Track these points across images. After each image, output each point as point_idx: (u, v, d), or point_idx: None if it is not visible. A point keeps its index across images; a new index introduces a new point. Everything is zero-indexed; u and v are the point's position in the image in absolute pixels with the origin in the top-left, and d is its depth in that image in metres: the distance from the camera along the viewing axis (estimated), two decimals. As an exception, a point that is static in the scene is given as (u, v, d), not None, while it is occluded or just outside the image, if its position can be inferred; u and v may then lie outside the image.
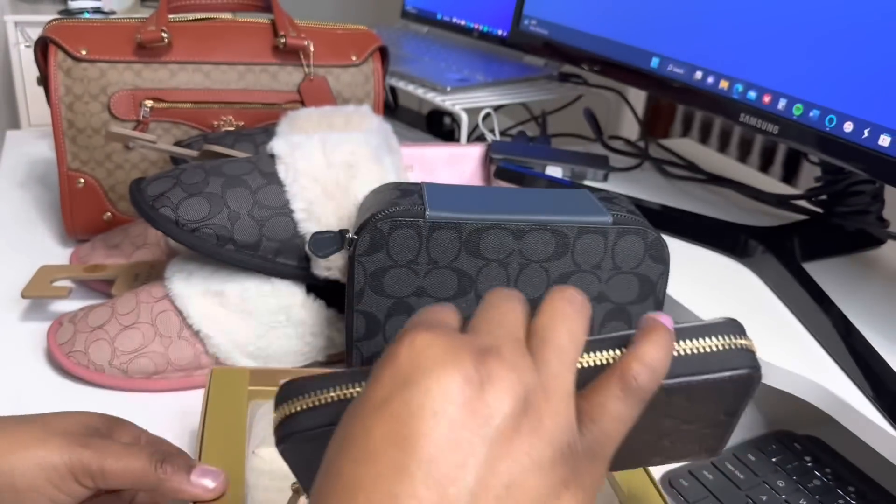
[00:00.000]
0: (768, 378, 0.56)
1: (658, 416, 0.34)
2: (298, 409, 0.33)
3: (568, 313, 0.30)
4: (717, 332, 0.33)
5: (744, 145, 1.86)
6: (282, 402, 0.34)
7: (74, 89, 0.75)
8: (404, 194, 0.57)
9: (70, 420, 0.43)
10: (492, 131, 1.02)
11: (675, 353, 0.32)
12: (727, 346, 0.32)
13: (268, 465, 0.51)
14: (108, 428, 0.45)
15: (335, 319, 0.64)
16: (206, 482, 0.42)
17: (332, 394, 0.33)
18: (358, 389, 0.33)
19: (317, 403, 0.33)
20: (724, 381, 0.32)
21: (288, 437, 0.33)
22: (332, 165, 0.62)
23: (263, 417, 0.51)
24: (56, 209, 0.88)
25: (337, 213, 0.61)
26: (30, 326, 0.68)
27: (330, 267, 0.61)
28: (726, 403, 0.34)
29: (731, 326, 0.33)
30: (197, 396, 0.58)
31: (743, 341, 0.33)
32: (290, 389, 0.34)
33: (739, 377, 0.32)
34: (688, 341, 0.32)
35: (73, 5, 1.69)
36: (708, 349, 0.32)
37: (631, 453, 0.34)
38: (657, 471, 0.58)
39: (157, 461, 0.41)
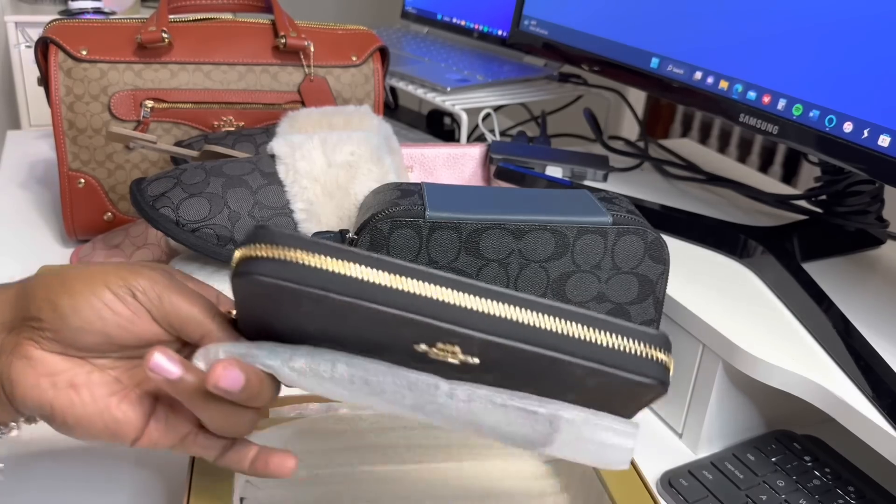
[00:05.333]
0: (768, 378, 0.56)
1: (566, 387, 0.38)
2: (269, 255, 0.35)
3: None
4: (647, 340, 0.38)
5: (743, 145, 1.86)
6: (253, 240, 0.36)
7: (75, 89, 0.75)
8: (404, 194, 0.57)
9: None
10: (492, 131, 1.02)
11: (605, 344, 0.37)
12: (648, 356, 0.37)
13: (261, 494, 0.51)
14: (185, 278, 0.44)
15: (335, 319, 0.64)
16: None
17: (310, 258, 0.35)
18: (338, 263, 0.35)
19: (289, 259, 0.35)
20: (631, 382, 0.37)
21: (246, 275, 0.35)
22: (333, 165, 0.62)
23: None
24: (56, 209, 0.88)
25: (337, 213, 0.61)
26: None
27: (330, 267, 0.61)
28: (625, 400, 0.39)
29: (660, 340, 0.38)
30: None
31: (663, 356, 0.38)
32: (267, 234, 0.35)
33: (646, 385, 0.37)
34: (619, 337, 0.37)
35: (73, 6, 1.69)
36: (632, 350, 0.37)
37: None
38: (654, 471, 0.58)
39: (214, 313, 0.41)
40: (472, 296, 0.36)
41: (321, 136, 0.63)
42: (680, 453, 0.61)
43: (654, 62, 0.78)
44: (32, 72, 1.77)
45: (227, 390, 0.36)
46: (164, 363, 0.36)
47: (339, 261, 0.35)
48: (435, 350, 0.37)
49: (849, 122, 0.61)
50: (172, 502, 0.52)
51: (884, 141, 0.58)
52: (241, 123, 0.80)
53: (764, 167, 1.82)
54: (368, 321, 0.36)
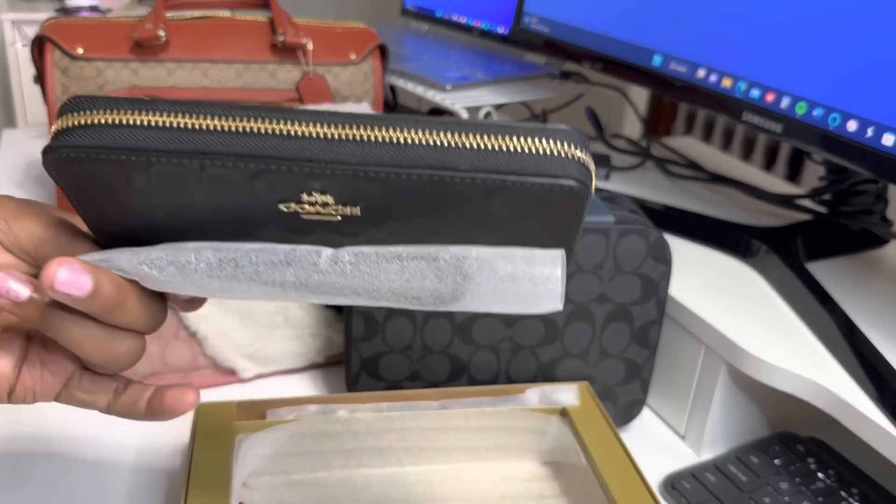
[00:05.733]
0: (771, 379, 0.55)
1: (473, 224, 0.32)
2: (73, 124, 0.30)
3: None
4: (552, 136, 0.30)
5: (747, 144, 1.85)
6: (62, 112, 0.31)
7: (71, 88, 0.74)
8: (403, 193, 0.56)
9: None
10: (492, 130, 1.01)
11: (498, 148, 0.30)
12: (558, 154, 0.30)
13: (258, 497, 0.50)
14: (49, 207, 0.40)
15: (334, 320, 0.63)
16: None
17: (119, 116, 0.30)
18: (146, 117, 0.30)
19: (96, 122, 0.30)
20: (543, 190, 0.30)
21: (52, 150, 0.30)
22: (331, 164, 0.61)
23: (250, 450, 0.50)
24: (53, 208, 0.87)
25: (335, 213, 0.60)
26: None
27: (328, 267, 0.60)
28: (549, 222, 0.32)
29: (570, 135, 0.30)
30: (194, 398, 0.58)
31: (579, 153, 0.30)
32: (76, 102, 0.31)
33: (562, 188, 0.29)
34: (514, 139, 0.30)
35: (69, 3, 1.69)
36: (533, 150, 0.30)
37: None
38: (657, 473, 0.57)
39: (75, 233, 0.36)
40: (320, 124, 0.30)
41: (319, 134, 0.63)
42: (682, 456, 0.61)
43: (657, 60, 0.77)
44: (28, 70, 1.76)
45: (70, 295, 0.32)
46: (9, 284, 0.33)
47: (154, 113, 0.30)
48: (305, 206, 0.32)
49: (853, 121, 0.60)
50: (168, 506, 0.52)
51: (888, 140, 0.58)
52: (239, 122, 0.80)
53: (768, 166, 1.81)
54: (213, 186, 0.31)
